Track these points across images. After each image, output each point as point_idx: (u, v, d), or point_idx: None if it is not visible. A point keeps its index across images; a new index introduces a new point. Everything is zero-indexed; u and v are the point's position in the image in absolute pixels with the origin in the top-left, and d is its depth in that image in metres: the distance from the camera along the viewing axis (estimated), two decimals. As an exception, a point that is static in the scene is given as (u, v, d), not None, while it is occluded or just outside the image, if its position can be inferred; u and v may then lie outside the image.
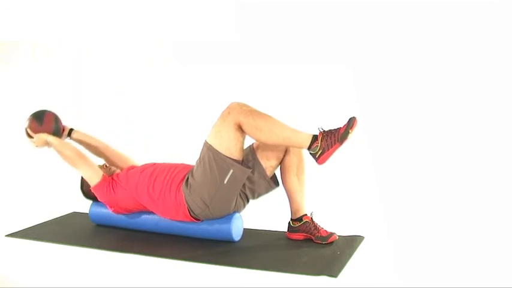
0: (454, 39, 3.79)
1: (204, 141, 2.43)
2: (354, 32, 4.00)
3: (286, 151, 2.52)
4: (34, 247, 2.59)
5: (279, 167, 2.56)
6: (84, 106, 4.83)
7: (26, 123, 2.81)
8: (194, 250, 2.45)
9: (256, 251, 2.44)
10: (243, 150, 2.43)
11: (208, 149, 2.39)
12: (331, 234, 2.49)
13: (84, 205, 2.95)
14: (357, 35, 4.00)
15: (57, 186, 3.58)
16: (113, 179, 2.71)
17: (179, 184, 2.50)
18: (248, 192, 2.52)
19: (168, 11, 4.45)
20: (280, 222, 2.66)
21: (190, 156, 2.63)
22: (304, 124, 2.42)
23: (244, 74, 4.28)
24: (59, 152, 2.73)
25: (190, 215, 2.50)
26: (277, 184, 2.58)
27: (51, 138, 2.76)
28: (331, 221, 2.62)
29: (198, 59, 4.50)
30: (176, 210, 2.52)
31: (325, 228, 2.52)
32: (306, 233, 2.53)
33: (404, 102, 3.87)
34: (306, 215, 2.55)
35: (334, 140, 2.27)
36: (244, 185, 2.46)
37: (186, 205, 2.47)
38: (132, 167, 2.79)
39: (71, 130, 2.94)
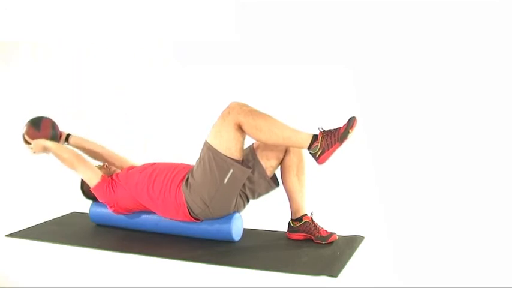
0: (454, 39, 3.78)
1: (204, 141, 2.43)
2: (354, 32, 4.00)
3: (286, 151, 2.52)
4: (34, 247, 2.59)
5: (279, 167, 2.56)
6: (84, 106, 4.84)
7: (23, 130, 2.82)
8: (194, 250, 2.45)
9: (256, 251, 2.44)
10: (243, 150, 2.43)
11: (208, 148, 2.39)
12: (331, 234, 2.49)
13: (84, 205, 2.95)
14: (357, 35, 4.00)
15: (57, 186, 3.58)
16: (112, 179, 2.71)
17: (179, 184, 2.50)
18: (248, 192, 2.52)
19: (168, 11, 4.45)
20: (280, 222, 2.66)
21: (190, 156, 2.63)
22: (304, 124, 2.42)
23: (244, 74, 4.28)
24: (57, 156, 2.75)
25: (190, 215, 2.50)
26: (277, 184, 2.58)
27: (48, 143, 2.78)
28: (331, 221, 2.62)
29: (198, 59, 4.50)
30: (176, 210, 2.52)
31: (325, 228, 2.52)
32: (306, 233, 2.53)
33: (404, 102, 3.87)
34: (306, 215, 2.55)
35: (334, 140, 2.27)
36: (244, 185, 2.46)
37: (186, 205, 2.47)
38: (132, 167, 2.79)
39: (68, 135, 2.95)
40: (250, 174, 2.44)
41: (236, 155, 2.38)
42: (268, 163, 2.50)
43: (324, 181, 3.08)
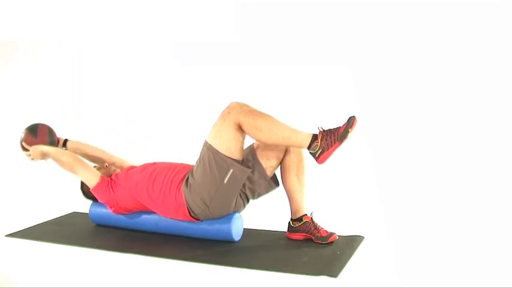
0: (454, 39, 3.78)
1: (204, 141, 2.43)
2: (354, 32, 4.00)
3: (286, 151, 2.52)
4: (34, 247, 2.59)
5: (279, 167, 2.56)
6: (84, 106, 4.84)
7: (20, 137, 2.84)
8: (194, 250, 2.45)
9: (256, 251, 2.44)
10: (243, 150, 2.43)
11: (208, 148, 2.39)
12: (331, 234, 2.49)
13: (84, 205, 2.95)
14: (357, 35, 4.00)
15: (57, 186, 3.58)
16: (111, 179, 2.71)
17: (179, 184, 2.50)
18: (248, 192, 2.52)
19: (168, 11, 4.45)
20: (280, 222, 2.66)
21: (190, 156, 2.63)
22: (304, 124, 2.42)
23: (244, 74, 4.28)
24: (56, 160, 2.76)
25: (190, 215, 2.50)
26: (277, 184, 2.58)
27: (47, 148, 2.79)
28: (331, 221, 2.62)
29: (198, 59, 4.50)
30: (176, 210, 2.52)
31: (325, 228, 2.52)
32: (306, 233, 2.53)
33: (404, 102, 3.87)
34: (306, 215, 2.55)
35: (334, 139, 2.27)
36: (244, 185, 2.46)
37: (186, 205, 2.47)
38: (132, 167, 2.79)
39: (66, 140, 2.96)
40: (250, 174, 2.44)
41: (236, 155, 2.38)
42: (268, 163, 2.50)
43: (324, 181, 3.08)
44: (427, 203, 3.08)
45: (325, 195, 3.12)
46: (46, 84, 5.00)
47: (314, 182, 2.67)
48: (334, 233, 2.50)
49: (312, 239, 2.51)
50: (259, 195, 2.58)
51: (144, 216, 2.71)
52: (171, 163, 2.68)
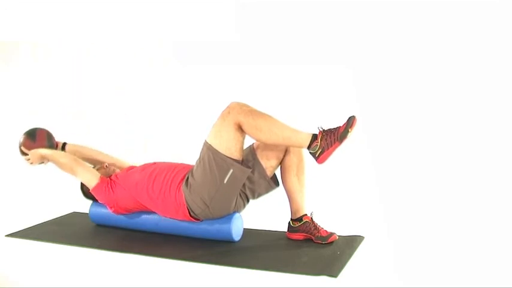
0: (454, 39, 3.78)
1: (204, 141, 2.43)
2: (354, 32, 4.00)
3: (286, 151, 2.52)
4: (34, 247, 2.59)
5: (279, 167, 2.56)
6: (84, 106, 4.84)
7: (19, 142, 2.85)
8: (194, 250, 2.45)
9: (256, 251, 2.44)
10: (243, 150, 2.43)
11: (208, 148, 2.39)
12: (331, 234, 2.49)
13: (84, 205, 2.95)
14: (357, 35, 4.00)
15: (57, 186, 3.58)
16: (111, 179, 2.71)
17: (179, 184, 2.50)
18: (248, 192, 2.52)
19: (168, 11, 4.45)
20: (280, 222, 2.66)
21: (190, 156, 2.63)
22: (304, 124, 2.42)
23: (244, 74, 4.28)
24: (55, 162, 2.78)
25: (190, 215, 2.50)
26: (277, 184, 2.58)
27: (45, 151, 2.80)
28: (331, 221, 2.62)
29: (198, 59, 4.50)
30: (176, 210, 2.52)
31: (325, 228, 2.52)
32: (306, 233, 2.53)
33: (404, 102, 3.87)
34: (306, 215, 2.55)
35: (334, 139, 2.27)
36: (244, 185, 2.46)
37: (185, 205, 2.47)
38: (132, 167, 2.79)
39: (64, 144, 2.97)
40: (250, 174, 2.44)
41: (236, 155, 2.38)
42: (268, 163, 2.50)
43: (324, 181, 3.08)
44: (427, 203, 3.08)
45: (325, 195, 3.12)
46: (46, 84, 5.00)
47: (314, 182, 2.67)
48: (334, 233, 2.50)
49: (312, 239, 2.51)
50: (259, 195, 2.58)
51: (144, 216, 2.71)
52: (171, 163, 2.68)
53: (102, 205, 2.80)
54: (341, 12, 4.02)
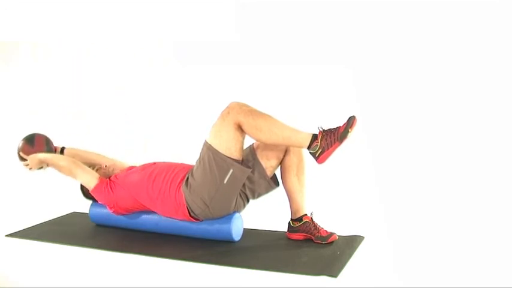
0: (454, 39, 3.78)
1: (204, 141, 2.43)
2: (354, 32, 4.00)
3: (286, 151, 2.52)
4: (34, 247, 2.59)
5: (279, 167, 2.56)
6: (84, 106, 4.84)
7: (17, 148, 2.85)
8: (194, 250, 2.45)
9: (256, 251, 2.44)
10: (242, 150, 2.43)
11: (208, 148, 2.39)
12: (331, 234, 2.49)
13: (84, 205, 2.95)
14: (357, 35, 4.00)
15: (57, 186, 3.58)
16: (110, 180, 2.72)
17: (179, 184, 2.50)
18: (248, 192, 2.52)
19: (168, 11, 4.45)
20: (280, 222, 2.66)
21: (190, 156, 2.63)
22: (304, 124, 2.42)
23: (244, 74, 4.28)
24: (55, 165, 2.78)
25: (190, 215, 2.50)
26: (277, 184, 2.58)
27: (44, 155, 2.81)
28: (331, 221, 2.62)
29: (198, 59, 4.50)
30: (176, 210, 2.52)
31: (325, 228, 2.52)
32: (306, 233, 2.53)
33: (404, 102, 3.87)
34: (306, 215, 2.55)
35: (334, 139, 2.27)
36: (244, 185, 2.46)
37: (185, 205, 2.47)
38: (132, 167, 2.79)
39: (63, 148, 2.98)
40: (250, 174, 2.44)
41: (236, 155, 2.38)
42: (268, 163, 2.50)
43: (324, 181, 3.08)
44: (427, 203, 3.08)
45: (325, 195, 3.12)
46: (46, 84, 5.00)
47: (314, 182, 2.67)
48: (334, 233, 2.50)
49: (312, 239, 2.51)
50: (259, 195, 2.58)
51: (144, 216, 2.71)
52: (171, 163, 2.68)
53: (102, 205, 2.80)
54: (341, 12, 4.02)
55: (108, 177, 2.77)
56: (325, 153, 2.28)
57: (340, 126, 2.29)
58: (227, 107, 2.38)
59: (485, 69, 3.72)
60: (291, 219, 2.59)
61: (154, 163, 2.72)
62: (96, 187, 2.69)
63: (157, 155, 3.17)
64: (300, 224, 2.54)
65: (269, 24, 4.21)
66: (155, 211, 2.63)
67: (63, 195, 3.42)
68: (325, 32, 4.07)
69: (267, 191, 2.57)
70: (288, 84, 4.18)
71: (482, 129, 3.67)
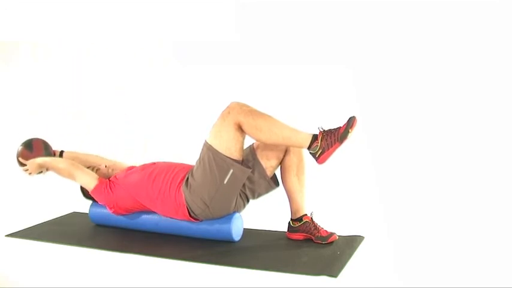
0: (454, 39, 3.78)
1: (204, 141, 2.43)
2: (354, 32, 4.00)
3: (286, 151, 2.52)
4: (34, 247, 2.59)
5: (279, 167, 2.56)
6: (84, 106, 4.84)
7: (16, 154, 2.86)
8: (194, 250, 2.45)
9: (256, 251, 2.44)
10: (243, 150, 2.43)
11: (208, 149, 2.39)
12: (331, 234, 2.49)
13: (84, 205, 2.95)
14: (357, 35, 4.00)
15: (57, 186, 3.58)
16: (110, 180, 2.72)
17: (179, 184, 2.50)
18: (248, 192, 2.52)
19: (168, 11, 4.45)
20: (280, 222, 2.66)
21: (190, 156, 2.63)
22: (304, 124, 2.42)
23: (244, 74, 4.28)
24: (54, 168, 2.79)
25: (190, 215, 2.50)
26: (277, 184, 2.58)
27: (43, 159, 2.81)
28: (331, 221, 2.62)
29: (198, 59, 4.50)
30: (175, 210, 2.52)
31: (325, 228, 2.52)
32: (306, 233, 2.53)
33: (404, 102, 3.87)
34: (306, 215, 2.55)
35: (334, 140, 2.27)
36: (244, 185, 2.46)
37: (185, 205, 2.47)
38: (132, 167, 2.79)
39: (62, 152, 2.99)
40: (250, 174, 2.44)
41: (236, 155, 2.38)
42: (268, 163, 2.50)
43: (324, 181, 3.08)
44: (427, 203, 3.08)
45: (325, 195, 3.12)
46: (46, 84, 5.00)
47: (314, 182, 2.67)
48: (334, 233, 2.50)
49: (312, 239, 2.51)
50: (259, 195, 2.58)
51: (144, 216, 2.71)
52: (170, 163, 2.68)
53: (102, 205, 2.80)
54: (341, 12, 4.02)
55: (108, 177, 2.77)
56: (325, 153, 2.28)
57: (340, 127, 2.29)
58: (227, 107, 2.38)
59: (485, 69, 3.72)
60: (291, 219, 2.59)
61: (154, 163, 2.72)
62: (96, 188, 2.69)
63: (157, 155, 3.17)
64: (300, 224, 2.54)
65: (269, 24, 4.21)
66: (155, 211, 2.63)
67: (63, 195, 3.42)
68: (325, 32, 4.07)
69: (267, 191, 2.57)
70: (288, 84, 4.18)
71: (482, 129, 3.67)
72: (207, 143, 2.41)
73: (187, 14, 4.41)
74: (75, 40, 4.86)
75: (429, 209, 2.99)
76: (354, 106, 3.66)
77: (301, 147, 2.39)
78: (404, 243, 2.51)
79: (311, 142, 2.30)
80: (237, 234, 2.54)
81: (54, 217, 3.08)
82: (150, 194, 2.56)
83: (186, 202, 2.47)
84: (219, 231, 2.52)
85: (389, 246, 2.47)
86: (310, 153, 2.33)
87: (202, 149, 2.43)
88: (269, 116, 2.35)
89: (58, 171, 2.77)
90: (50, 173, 2.88)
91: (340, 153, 2.32)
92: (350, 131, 2.27)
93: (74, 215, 3.16)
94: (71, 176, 2.74)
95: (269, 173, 2.52)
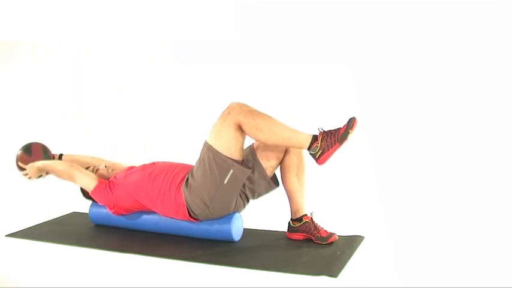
0: (454, 39, 3.78)
1: (204, 141, 2.43)
2: (354, 32, 4.00)
3: (286, 151, 2.52)
4: (34, 247, 2.59)
5: (279, 167, 2.56)
6: (84, 106, 4.84)
7: (16, 158, 2.86)
8: (194, 250, 2.45)
9: (256, 251, 2.44)
10: (243, 150, 2.43)
11: (208, 149, 2.39)
12: (331, 234, 2.49)
13: (84, 205, 2.95)
14: (357, 35, 4.00)
15: (57, 186, 3.58)
16: (109, 180, 2.72)
17: (179, 184, 2.50)
18: (248, 192, 2.52)
19: (168, 11, 4.45)
20: (280, 222, 2.66)
21: (190, 156, 2.63)
22: (304, 124, 2.42)
23: (244, 74, 4.28)
24: (53, 171, 2.79)
25: (190, 215, 2.50)
26: (277, 184, 2.58)
27: (42, 162, 2.81)
28: (331, 221, 2.62)
29: (198, 59, 4.50)
30: (175, 210, 2.52)
31: (325, 229, 2.52)
32: (306, 233, 2.53)
33: (404, 102, 3.87)
34: (306, 215, 2.55)
35: (334, 141, 2.27)
36: (244, 185, 2.46)
37: (185, 205, 2.47)
38: (131, 168, 2.79)
39: (61, 155, 2.99)
40: (250, 175, 2.44)
41: (236, 155, 2.38)
42: (268, 163, 2.50)
43: (324, 181, 3.08)
44: (427, 203, 3.08)
45: (325, 195, 3.12)
46: (46, 84, 5.00)
47: (314, 182, 2.67)
48: (334, 234, 2.50)
49: (312, 239, 2.51)
50: (259, 195, 2.58)
51: (144, 216, 2.71)
52: (170, 163, 2.68)
53: (101, 205, 2.80)
54: (341, 12, 4.02)
55: (108, 178, 2.77)
56: (325, 154, 2.28)
57: (340, 128, 2.30)
58: (227, 108, 2.38)
59: (485, 69, 3.72)
60: (291, 219, 2.59)
61: (154, 163, 2.72)
62: (96, 188, 2.69)
63: (157, 155, 3.17)
64: (300, 224, 2.54)
65: (269, 24, 4.21)
66: (155, 211, 2.63)
67: (63, 195, 3.42)
68: (325, 32, 4.07)
69: (267, 191, 2.57)
70: (288, 84, 4.18)
71: (482, 129, 3.67)
72: (207, 143, 2.41)
73: (187, 14, 4.41)
74: (75, 40, 4.86)
75: (429, 209, 2.99)
76: (354, 106, 3.66)
77: (301, 147, 2.39)
78: (404, 243, 2.51)
79: (311, 143, 2.30)
80: (237, 234, 2.54)
81: (54, 217, 3.08)
82: (150, 194, 2.56)
83: (186, 202, 2.47)
84: (219, 231, 2.52)
85: (389, 246, 2.47)
86: (310, 153, 2.33)
87: (202, 149, 2.43)
88: (269, 117, 2.35)
89: (57, 173, 2.77)
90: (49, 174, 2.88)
91: (340, 154, 2.32)
92: (350, 132, 2.27)
93: (74, 215, 3.16)
94: (70, 178, 2.75)
95: (269, 173, 2.52)
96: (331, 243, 2.47)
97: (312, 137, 2.31)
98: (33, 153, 2.86)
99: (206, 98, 4.29)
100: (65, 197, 3.36)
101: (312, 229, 2.51)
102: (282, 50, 4.20)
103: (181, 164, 2.65)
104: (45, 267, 2.36)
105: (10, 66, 5.13)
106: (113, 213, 2.73)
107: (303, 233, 2.54)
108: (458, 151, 3.64)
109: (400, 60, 3.90)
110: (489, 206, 2.97)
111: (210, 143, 2.39)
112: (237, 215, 2.53)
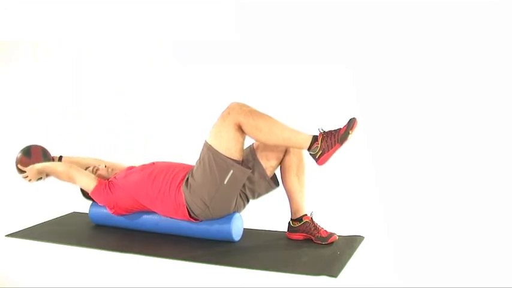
0: (454, 39, 3.78)
1: (204, 141, 2.43)
2: (354, 32, 4.00)
3: (286, 151, 2.52)
4: (34, 247, 2.59)
5: (279, 167, 2.56)
6: (84, 106, 4.84)
7: (15, 161, 2.86)
8: (194, 250, 2.45)
9: (256, 251, 2.44)
10: (243, 150, 2.43)
11: (208, 149, 2.39)
12: (331, 234, 2.49)
13: (84, 205, 2.95)
14: (357, 35, 4.00)
15: (57, 186, 3.58)
16: (109, 181, 2.72)
17: (179, 184, 2.50)
18: (248, 192, 2.52)
19: (168, 11, 4.45)
20: (280, 222, 2.66)
21: (190, 156, 2.63)
22: (304, 124, 2.42)
23: (244, 74, 4.28)
24: (53, 172, 2.79)
25: (190, 215, 2.50)
26: (277, 184, 2.58)
27: (41, 164, 2.82)
28: (331, 221, 2.62)
29: (198, 59, 4.50)
30: (175, 210, 2.52)
31: (325, 229, 2.52)
32: (306, 233, 2.53)
33: (404, 102, 3.87)
34: (306, 215, 2.55)
35: (334, 141, 2.27)
36: (244, 185, 2.46)
37: (185, 205, 2.47)
38: (131, 168, 2.79)
39: (60, 157, 2.99)
40: (250, 175, 2.44)
41: (236, 155, 2.38)
42: (268, 163, 2.50)
43: (324, 181, 3.08)
44: (427, 203, 3.08)
45: (325, 195, 3.12)
46: (46, 84, 5.00)
47: (314, 182, 2.67)
48: (334, 234, 2.50)
49: (312, 239, 2.51)
50: (259, 195, 2.58)
51: (144, 216, 2.71)
52: (170, 163, 2.68)
53: (101, 205, 2.80)
54: (341, 12, 4.02)
55: (107, 178, 2.77)
56: (325, 154, 2.28)
57: (340, 128, 2.30)
58: (227, 108, 2.38)
59: (485, 69, 3.72)
60: (291, 219, 2.59)
61: (154, 163, 2.72)
62: (95, 189, 2.69)
63: (157, 155, 3.17)
64: (300, 224, 2.54)
65: (269, 24, 4.21)
66: (155, 211, 2.63)
67: (63, 195, 3.42)
68: (325, 32, 4.07)
69: (267, 191, 2.57)
70: (288, 84, 4.18)
71: (482, 129, 3.67)
72: (207, 143, 2.41)
73: (187, 14, 4.41)
74: (75, 40, 4.86)
75: (429, 209, 2.99)
76: (354, 106, 3.66)
77: (301, 148, 2.39)
78: (404, 243, 2.51)
79: (311, 143, 2.30)
80: (237, 234, 2.54)
81: (54, 217, 3.08)
82: (149, 194, 2.56)
83: (186, 202, 2.47)
84: (219, 231, 2.52)
85: (389, 246, 2.47)
86: (310, 154, 2.33)
87: (203, 149, 2.44)
88: (269, 117, 2.35)
89: (57, 175, 2.78)
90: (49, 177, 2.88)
91: (340, 154, 2.32)
92: (350, 132, 2.27)
93: (74, 215, 3.16)
94: (70, 179, 2.75)
95: (269, 173, 2.52)
96: (331, 243, 2.47)
97: (312, 137, 2.31)
98: (32, 155, 2.86)
99: (206, 98, 4.29)
100: (65, 197, 3.35)
101: (312, 229, 2.51)
102: (282, 50, 4.20)
103: (181, 164, 2.65)
104: (45, 267, 2.36)
105: (10, 66, 5.13)
106: (113, 213, 2.73)
107: (303, 233, 2.54)
108: (458, 151, 3.64)
109: (400, 61, 3.90)
110: (489, 206, 2.97)
111: (210, 143, 2.39)
112: (237, 215, 2.53)
